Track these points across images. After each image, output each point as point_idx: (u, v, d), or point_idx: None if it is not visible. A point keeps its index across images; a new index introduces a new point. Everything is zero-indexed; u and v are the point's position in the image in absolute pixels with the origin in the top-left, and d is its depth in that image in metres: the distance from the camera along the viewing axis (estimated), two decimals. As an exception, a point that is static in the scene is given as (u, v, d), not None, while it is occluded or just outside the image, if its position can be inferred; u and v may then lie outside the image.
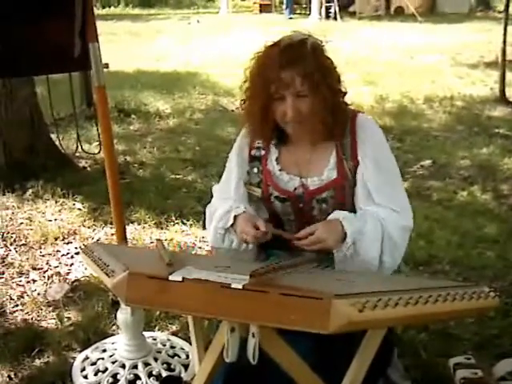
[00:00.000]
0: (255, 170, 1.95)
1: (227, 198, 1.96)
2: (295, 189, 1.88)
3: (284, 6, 18.94)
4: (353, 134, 1.85)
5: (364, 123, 1.88)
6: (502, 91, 7.33)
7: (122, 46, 12.03)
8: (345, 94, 1.87)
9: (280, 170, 1.91)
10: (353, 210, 1.82)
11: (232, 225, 1.85)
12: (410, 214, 1.83)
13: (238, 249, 1.87)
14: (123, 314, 2.46)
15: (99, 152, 2.62)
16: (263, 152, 1.94)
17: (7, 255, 3.60)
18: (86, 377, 2.47)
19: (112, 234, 3.71)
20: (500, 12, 14.12)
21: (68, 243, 3.75)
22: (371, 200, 1.80)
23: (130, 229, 3.83)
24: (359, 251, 1.72)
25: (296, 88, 1.75)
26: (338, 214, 1.76)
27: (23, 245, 3.73)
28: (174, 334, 2.79)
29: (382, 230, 1.73)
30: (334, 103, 1.80)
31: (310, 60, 1.75)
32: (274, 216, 1.94)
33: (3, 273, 3.39)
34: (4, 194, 4.43)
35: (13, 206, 4.29)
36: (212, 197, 2.06)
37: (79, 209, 4.23)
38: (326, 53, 1.83)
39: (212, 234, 1.92)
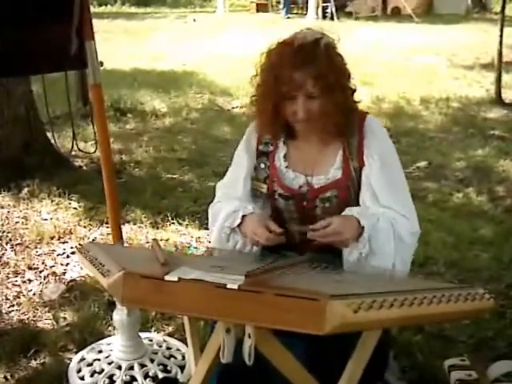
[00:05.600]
0: (262, 165, 1.93)
1: (233, 196, 1.93)
2: (300, 187, 1.87)
3: (281, 6, 18.93)
4: (360, 134, 1.85)
5: (373, 124, 1.88)
6: (498, 93, 7.36)
7: (119, 44, 12.00)
8: (354, 91, 1.86)
9: (286, 167, 1.90)
10: None
11: (239, 225, 1.83)
12: (416, 218, 1.83)
13: (242, 250, 1.85)
14: (119, 315, 2.46)
15: (95, 151, 2.62)
16: (271, 148, 1.93)
17: (3, 254, 3.59)
18: (82, 378, 2.47)
19: (108, 234, 3.70)
20: (497, 13, 14.13)
21: (64, 243, 3.75)
22: (377, 201, 1.79)
23: (126, 228, 3.82)
24: (374, 249, 1.71)
25: (308, 89, 1.74)
26: (351, 211, 1.76)
27: (19, 244, 3.72)
28: (170, 335, 2.79)
29: (394, 230, 1.73)
30: (345, 104, 1.80)
31: (323, 61, 1.74)
32: (276, 213, 1.92)
33: (-1, 272, 3.39)
34: (-1, 193, 4.43)
35: (8, 205, 4.28)
36: (214, 195, 2.02)
37: (75, 208, 4.22)
38: (338, 51, 1.82)
39: (216, 234, 1.89)
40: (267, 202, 1.93)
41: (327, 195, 1.84)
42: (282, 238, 1.76)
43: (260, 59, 1.84)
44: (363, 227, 1.70)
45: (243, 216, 1.82)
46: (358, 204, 1.83)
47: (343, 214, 1.76)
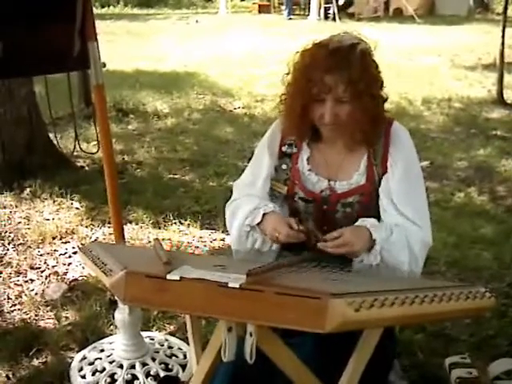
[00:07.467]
0: (284, 166, 1.91)
1: (252, 194, 1.91)
2: (322, 191, 1.85)
3: (283, 7, 18.94)
4: (386, 141, 1.83)
5: (399, 132, 1.85)
6: (500, 93, 7.36)
7: (121, 45, 12.02)
8: (385, 100, 1.84)
9: (309, 171, 1.88)
10: (378, 216, 1.80)
11: (259, 223, 1.81)
12: (430, 231, 1.81)
13: (261, 249, 1.83)
14: (121, 314, 2.47)
15: (97, 151, 2.62)
16: (295, 149, 1.90)
17: (5, 254, 3.60)
18: (83, 377, 2.48)
19: (110, 234, 3.71)
20: (499, 14, 14.14)
21: (66, 243, 3.76)
22: (394, 208, 1.78)
23: (128, 228, 3.83)
24: (385, 260, 1.70)
25: (337, 93, 1.72)
26: (364, 222, 1.74)
27: (21, 244, 3.73)
28: (172, 333, 2.79)
29: (407, 241, 1.72)
30: (374, 112, 1.77)
31: (356, 68, 1.71)
32: (293, 214, 1.89)
33: (1, 272, 3.39)
34: (2, 193, 4.44)
35: (11, 205, 4.29)
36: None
37: (77, 208, 4.23)
38: (373, 58, 1.80)
39: (236, 232, 1.88)
40: (285, 203, 1.91)
41: (349, 200, 1.82)
42: (301, 235, 1.73)
43: (293, 58, 1.81)
44: (375, 240, 1.69)
45: (264, 214, 1.81)
46: (378, 209, 1.82)
47: (356, 224, 1.75)
